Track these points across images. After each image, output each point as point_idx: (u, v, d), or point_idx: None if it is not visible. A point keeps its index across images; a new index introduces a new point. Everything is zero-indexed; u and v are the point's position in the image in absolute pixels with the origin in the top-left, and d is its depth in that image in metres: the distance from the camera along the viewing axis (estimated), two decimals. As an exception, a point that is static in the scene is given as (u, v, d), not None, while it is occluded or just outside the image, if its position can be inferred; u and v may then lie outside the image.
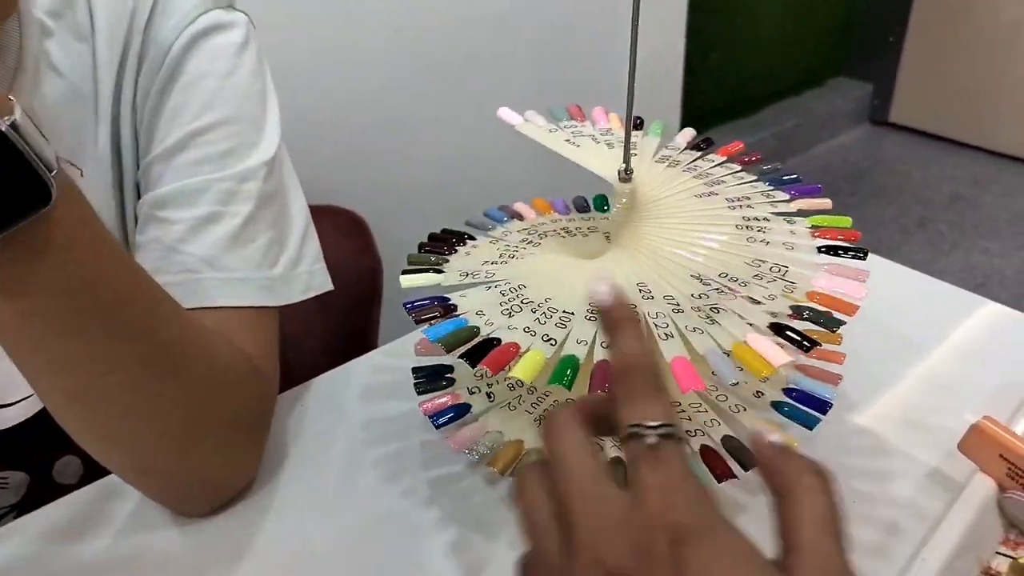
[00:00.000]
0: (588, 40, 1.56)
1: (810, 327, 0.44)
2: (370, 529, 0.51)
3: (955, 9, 2.47)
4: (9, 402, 0.55)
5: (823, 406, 0.48)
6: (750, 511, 0.49)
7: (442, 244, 0.54)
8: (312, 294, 0.56)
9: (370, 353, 0.68)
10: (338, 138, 1.27)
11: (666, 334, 0.43)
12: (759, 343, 0.42)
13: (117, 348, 0.41)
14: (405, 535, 0.50)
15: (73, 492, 0.54)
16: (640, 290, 0.47)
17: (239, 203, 0.52)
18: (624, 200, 0.52)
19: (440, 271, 0.50)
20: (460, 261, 0.52)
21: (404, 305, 0.47)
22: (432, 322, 0.45)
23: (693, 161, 0.60)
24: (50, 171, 0.35)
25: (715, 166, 0.59)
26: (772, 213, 0.54)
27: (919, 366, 0.63)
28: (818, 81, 2.75)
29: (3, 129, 0.33)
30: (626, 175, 0.51)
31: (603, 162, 0.55)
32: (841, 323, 0.45)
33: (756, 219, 0.53)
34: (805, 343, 0.43)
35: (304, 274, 0.56)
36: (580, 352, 0.42)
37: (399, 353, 0.67)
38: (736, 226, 0.52)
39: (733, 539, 0.25)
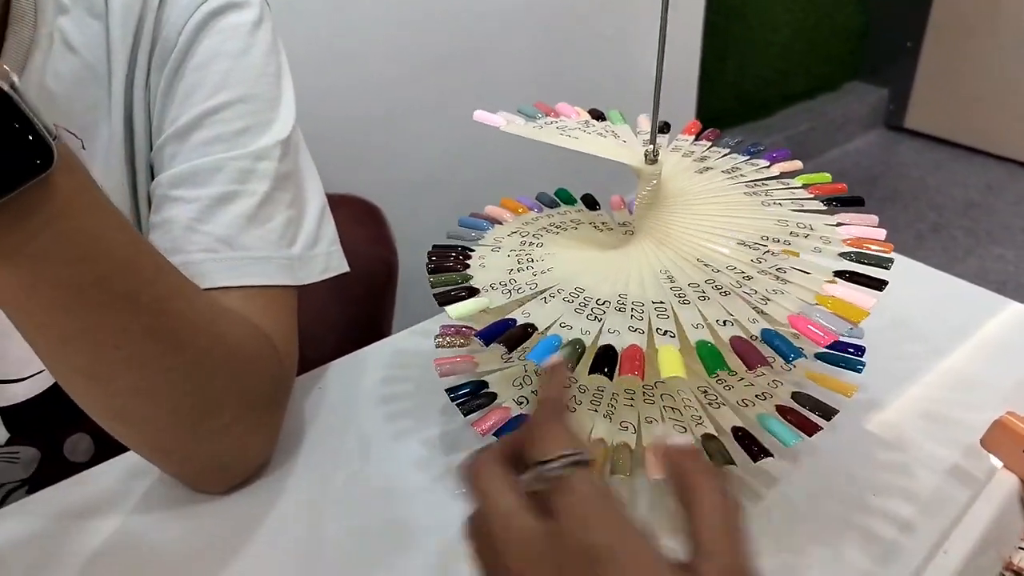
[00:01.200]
0: (599, 37, 1.56)
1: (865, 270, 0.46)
2: (384, 515, 0.50)
3: (974, 16, 2.44)
4: (19, 377, 0.55)
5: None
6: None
7: (446, 259, 0.53)
8: (330, 275, 0.56)
9: (386, 339, 0.68)
10: (353, 129, 1.27)
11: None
12: (839, 291, 0.43)
13: (122, 320, 0.40)
14: (420, 522, 0.49)
15: (84, 471, 0.53)
16: (667, 275, 0.47)
17: (255, 182, 0.52)
18: (653, 183, 0.51)
19: (476, 290, 0.48)
20: (483, 275, 0.50)
21: (479, 336, 0.44)
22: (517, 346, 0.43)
23: (705, 151, 0.61)
24: (51, 135, 0.34)
25: (721, 157, 0.61)
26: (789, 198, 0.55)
27: (941, 363, 0.62)
28: (833, 85, 2.73)
29: (5, 89, 0.32)
30: (654, 157, 0.50)
31: (617, 151, 0.54)
32: (891, 260, 0.47)
33: (777, 201, 0.54)
34: (878, 283, 0.45)
35: (322, 255, 0.56)
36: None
37: (415, 340, 0.67)
38: (763, 203, 0.54)
39: (643, 552, 0.28)
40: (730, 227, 0.51)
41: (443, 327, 0.56)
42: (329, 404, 0.60)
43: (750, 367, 0.40)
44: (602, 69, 1.58)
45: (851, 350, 0.52)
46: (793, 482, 0.51)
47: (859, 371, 0.50)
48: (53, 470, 0.57)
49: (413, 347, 0.66)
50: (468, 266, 0.51)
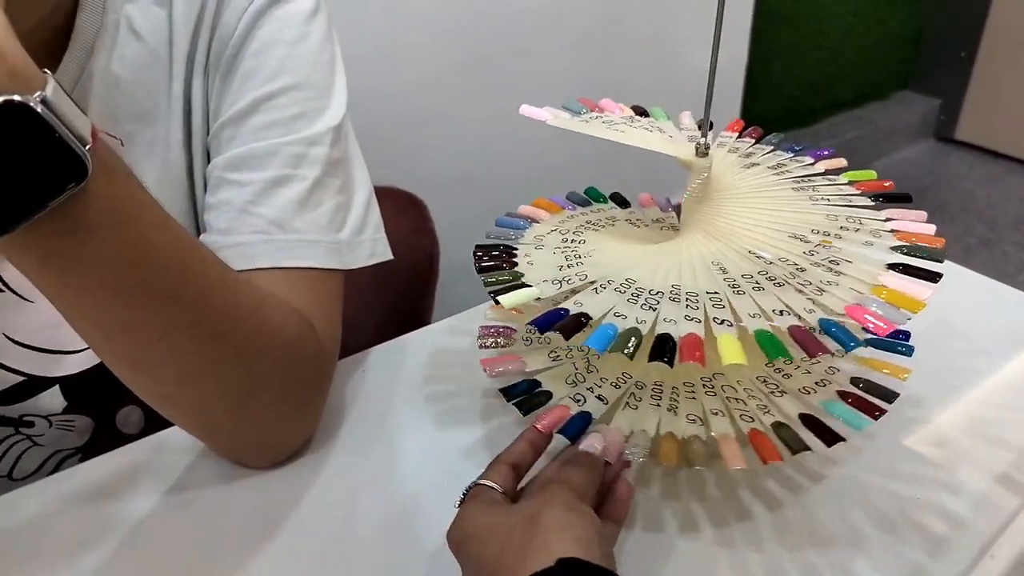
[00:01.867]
0: (641, 36, 1.55)
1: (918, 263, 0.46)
2: (419, 500, 0.51)
3: (1031, 26, 2.37)
4: (75, 349, 0.56)
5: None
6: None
7: (492, 258, 0.53)
8: (375, 261, 0.57)
9: (428, 327, 0.69)
10: (397, 125, 1.29)
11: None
12: (894, 282, 0.43)
13: (167, 315, 0.41)
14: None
15: (133, 442, 0.55)
16: (720, 266, 0.47)
17: (307, 167, 0.53)
18: (704, 175, 0.51)
19: (528, 285, 0.48)
20: (534, 272, 0.50)
21: (534, 324, 0.45)
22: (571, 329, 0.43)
23: (750, 148, 0.62)
24: (84, 145, 0.34)
25: (766, 154, 0.61)
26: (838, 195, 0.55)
27: (991, 371, 0.60)
28: (883, 94, 2.67)
29: (32, 104, 0.32)
30: (704, 149, 0.50)
31: (667, 145, 0.54)
32: (943, 253, 0.47)
33: (825, 197, 0.55)
34: (931, 275, 0.45)
35: (368, 241, 0.57)
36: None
37: (457, 328, 0.68)
38: (810, 198, 0.54)
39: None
40: (780, 221, 0.51)
41: (483, 328, 0.56)
42: (371, 387, 0.61)
43: (811, 355, 0.40)
44: (643, 68, 1.58)
45: (900, 335, 0.53)
46: (835, 481, 0.50)
47: (909, 355, 0.50)
48: (105, 440, 0.59)
49: (454, 336, 0.67)
50: (516, 264, 0.51)
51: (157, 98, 0.54)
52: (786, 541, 0.46)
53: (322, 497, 0.51)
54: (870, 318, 0.42)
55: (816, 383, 0.50)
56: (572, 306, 0.45)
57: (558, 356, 0.54)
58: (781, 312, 0.43)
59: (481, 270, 0.50)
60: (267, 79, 0.53)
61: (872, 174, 0.57)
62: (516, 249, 0.54)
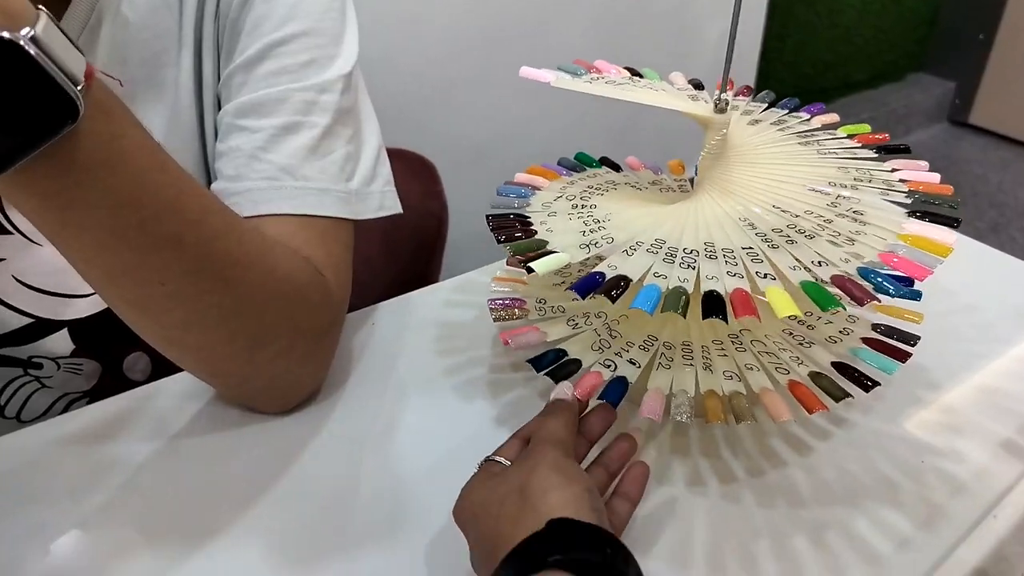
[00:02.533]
0: (658, 11, 1.53)
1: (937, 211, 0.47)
2: (426, 453, 0.51)
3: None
4: (83, 293, 0.56)
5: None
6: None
7: (508, 228, 0.51)
8: (384, 213, 0.56)
9: (436, 284, 0.68)
10: (416, 91, 1.29)
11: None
12: (922, 229, 0.44)
13: (165, 259, 0.40)
14: (460, 465, 0.49)
15: (140, 387, 0.55)
16: (748, 222, 0.47)
17: (317, 114, 0.52)
18: (723, 132, 0.50)
19: (554, 251, 0.47)
20: (558, 239, 0.49)
21: (574, 288, 0.44)
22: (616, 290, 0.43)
23: (747, 105, 0.62)
24: (76, 85, 0.33)
25: (763, 111, 0.61)
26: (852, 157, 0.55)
27: (999, 342, 0.60)
28: (897, 75, 2.64)
29: (20, 42, 0.31)
30: (724, 105, 0.49)
31: (684, 102, 0.53)
32: (957, 201, 0.48)
33: (831, 151, 0.55)
34: (952, 221, 0.46)
35: (378, 193, 0.56)
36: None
37: (465, 286, 0.67)
38: (818, 152, 0.54)
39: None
40: (796, 175, 0.51)
41: (492, 301, 0.56)
42: (379, 341, 0.61)
43: (860, 302, 0.40)
44: (659, 42, 1.56)
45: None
46: (842, 442, 0.50)
47: (918, 299, 0.49)
48: (113, 385, 0.59)
49: (463, 293, 0.67)
50: (536, 232, 0.51)
51: (167, 43, 0.53)
52: (791, 499, 0.46)
53: (327, 447, 0.51)
54: (905, 264, 0.42)
55: (840, 332, 0.50)
56: (606, 269, 0.44)
57: (577, 324, 0.54)
58: (819, 263, 0.43)
59: (503, 241, 0.50)
60: (277, 25, 0.52)
61: (867, 127, 0.59)
62: (528, 217, 0.53)
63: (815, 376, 0.46)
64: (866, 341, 0.50)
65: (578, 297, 0.57)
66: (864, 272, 0.42)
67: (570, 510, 0.34)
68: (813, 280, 0.42)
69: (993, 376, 0.57)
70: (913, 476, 0.48)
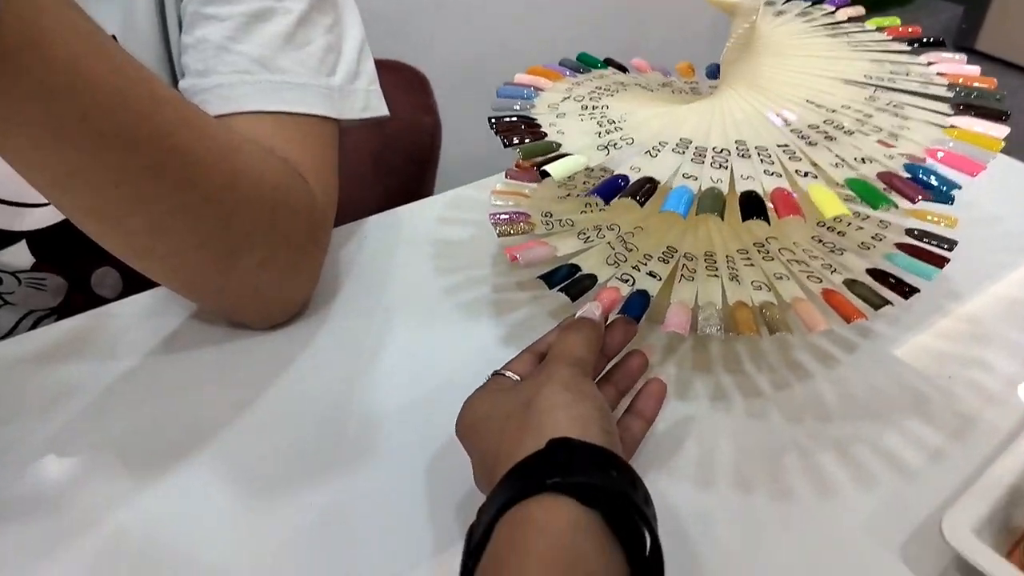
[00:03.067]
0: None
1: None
2: (421, 370, 0.48)
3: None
4: (39, 202, 0.52)
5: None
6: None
7: (515, 131, 0.47)
8: (370, 115, 0.52)
9: (431, 198, 0.64)
10: (411, 4, 1.22)
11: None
12: (969, 123, 0.41)
13: (116, 158, 0.36)
14: (451, 379, 0.45)
15: (111, 303, 0.52)
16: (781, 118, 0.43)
17: None
18: (753, 19, 0.46)
19: (568, 153, 0.44)
20: (572, 141, 0.45)
21: (597, 192, 0.40)
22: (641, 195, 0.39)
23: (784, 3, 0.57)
24: None
25: (786, 2, 0.57)
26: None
27: (1026, 255, 0.58)
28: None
29: None
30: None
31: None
32: (1003, 94, 0.45)
33: (862, 43, 0.51)
34: (1000, 114, 0.43)
35: (362, 91, 0.51)
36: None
37: (460, 199, 0.64)
38: (849, 44, 0.50)
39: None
40: (828, 68, 0.48)
41: (494, 215, 0.52)
42: (370, 256, 0.57)
43: (912, 200, 0.37)
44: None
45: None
46: (868, 354, 0.48)
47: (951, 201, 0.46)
48: (81, 301, 0.55)
49: (458, 209, 0.63)
50: (546, 135, 0.46)
51: None
52: (818, 413, 0.44)
53: (315, 366, 0.48)
54: (956, 159, 0.39)
55: (872, 238, 0.47)
56: (630, 172, 0.40)
57: (588, 237, 0.50)
58: (863, 160, 0.39)
59: (513, 145, 0.45)
60: None
61: (896, 19, 0.55)
62: (535, 119, 0.49)
63: (850, 283, 0.44)
64: (900, 247, 0.47)
65: (588, 209, 0.54)
66: (911, 168, 0.39)
67: (576, 430, 0.31)
68: (858, 177, 0.38)
69: (1019, 287, 0.54)
70: (941, 388, 0.46)
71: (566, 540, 0.27)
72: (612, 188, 0.39)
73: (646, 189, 0.38)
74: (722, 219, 0.37)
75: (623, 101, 0.51)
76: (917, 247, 0.47)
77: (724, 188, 0.38)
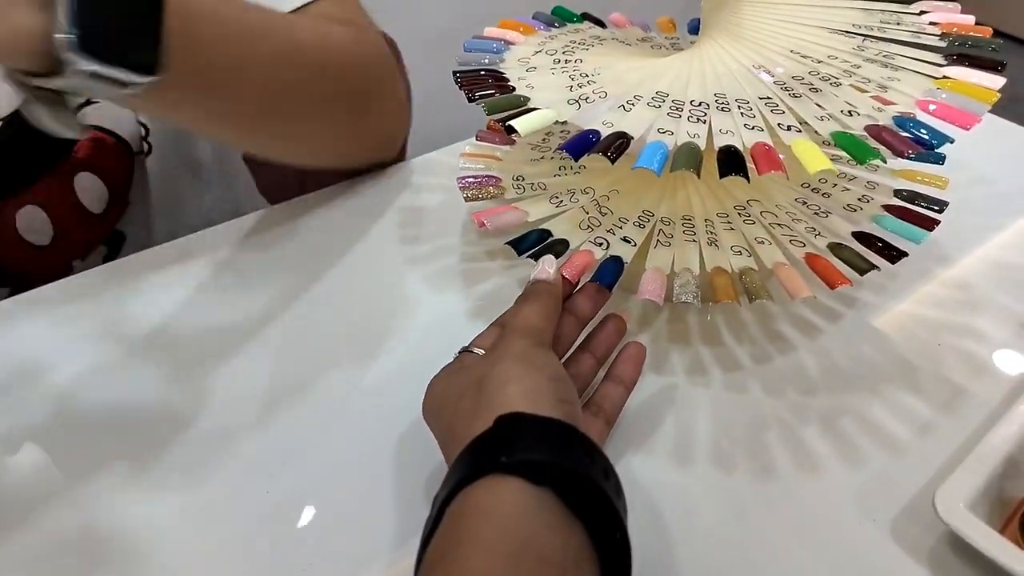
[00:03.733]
0: None
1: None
2: (389, 344, 0.46)
3: None
4: None
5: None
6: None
7: (481, 85, 0.45)
8: None
9: (396, 165, 0.61)
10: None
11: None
12: (962, 74, 0.39)
13: (255, 91, 0.44)
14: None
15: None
16: (763, 71, 0.41)
17: None
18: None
19: (537, 108, 0.41)
20: (542, 95, 0.43)
21: (565, 148, 0.38)
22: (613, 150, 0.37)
23: None
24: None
25: None
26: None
27: (1015, 217, 0.56)
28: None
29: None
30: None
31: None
32: (999, 43, 0.44)
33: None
34: (996, 64, 0.41)
35: None
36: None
37: (430, 167, 0.61)
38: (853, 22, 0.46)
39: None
40: (814, 17, 0.45)
41: (462, 179, 0.49)
42: (334, 228, 0.54)
43: (901, 154, 0.35)
44: None
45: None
46: (853, 323, 0.46)
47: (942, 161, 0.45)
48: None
49: (426, 175, 0.60)
50: (514, 89, 0.44)
51: None
52: (802, 385, 0.43)
53: (272, 343, 0.45)
54: (949, 111, 0.37)
55: (859, 200, 0.45)
56: (601, 127, 0.38)
57: (561, 202, 0.47)
58: (849, 113, 0.37)
59: (478, 99, 0.42)
60: None
61: None
62: (503, 73, 0.46)
63: (835, 248, 0.42)
64: (888, 209, 0.45)
65: (562, 172, 0.51)
66: (901, 122, 0.37)
67: (528, 403, 0.30)
68: (844, 131, 0.36)
69: (1011, 250, 0.53)
70: (930, 357, 0.44)
71: (511, 524, 0.25)
72: (582, 144, 0.37)
73: (618, 145, 0.36)
74: (698, 176, 0.35)
75: (599, 55, 0.48)
76: (906, 209, 0.45)
77: (702, 144, 0.36)
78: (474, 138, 0.57)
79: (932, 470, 0.38)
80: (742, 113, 0.37)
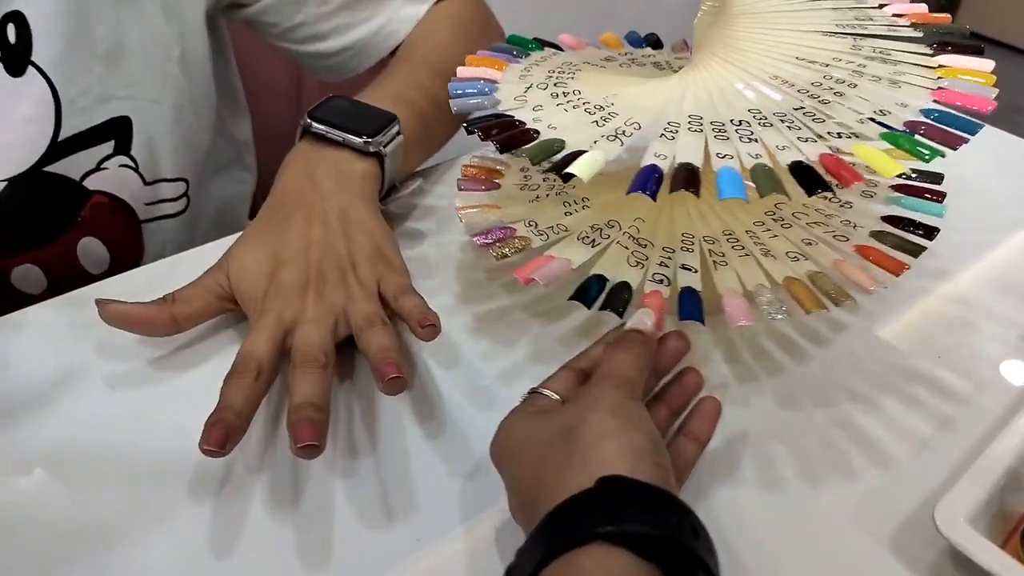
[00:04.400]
0: None
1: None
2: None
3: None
4: None
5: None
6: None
7: (504, 130, 0.43)
8: None
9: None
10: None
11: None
12: (955, 61, 0.42)
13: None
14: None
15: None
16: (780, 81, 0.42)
17: None
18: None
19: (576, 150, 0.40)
20: (571, 135, 0.42)
21: (638, 189, 0.37)
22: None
23: None
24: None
25: None
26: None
27: (1015, 229, 0.57)
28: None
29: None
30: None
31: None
32: (966, 28, 0.46)
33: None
34: (975, 48, 0.44)
35: None
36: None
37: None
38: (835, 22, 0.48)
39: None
40: (800, 22, 0.47)
41: (479, 237, 0.46)
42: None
43: (951, 147, 0.37)
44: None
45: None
46: (855, 333, 0.47)
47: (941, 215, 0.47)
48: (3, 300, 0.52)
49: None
50: (537, 133, 0.42)
51: None
52: (801, 398, 0.43)
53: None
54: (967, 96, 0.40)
55: (868, 186, 0.48)
56: (656, 160, 0.37)
57: (593, 241, 0.46)
58: (881, 112, 0.39)
59: (506, 148, 0.41)
60: None
61: None
62: (512, 117, 0.44)
63: (878, 235, 0.43)
64: (896, 189, 0.47)
65: (569, 209, 0.50)
66: (927, 113, 0.39)
67: (626, 464, 0.29)
68: (888, 131, 0.37)
69: (1009, 261, 0.54)
70: (930, 368, 0.45)
71: None
72: (650, 180, 0.36)
73: (688, 177, 0.36)
74: (789, 198, 0.35)
75: (590, 83, 0.48)
76: (914, 187, 0.47)
77: (768, 163, 0.36)
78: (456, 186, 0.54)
79: (933, 483, 0.38)
80: (788, 127, 0.38)
